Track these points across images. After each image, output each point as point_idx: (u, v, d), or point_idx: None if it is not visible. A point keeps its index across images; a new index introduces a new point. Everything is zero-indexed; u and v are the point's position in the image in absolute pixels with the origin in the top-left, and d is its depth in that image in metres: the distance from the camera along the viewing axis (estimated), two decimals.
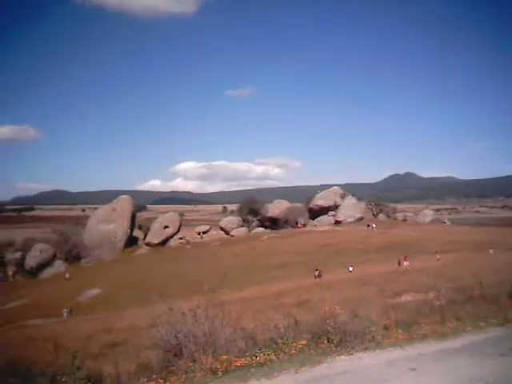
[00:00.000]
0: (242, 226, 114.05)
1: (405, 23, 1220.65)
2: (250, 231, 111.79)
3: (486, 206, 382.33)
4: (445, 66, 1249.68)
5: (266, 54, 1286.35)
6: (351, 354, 10.64)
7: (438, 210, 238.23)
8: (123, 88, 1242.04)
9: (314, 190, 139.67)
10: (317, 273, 50.72)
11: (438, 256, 53.39)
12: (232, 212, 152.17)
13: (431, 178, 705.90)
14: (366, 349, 11.02)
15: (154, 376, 9.83)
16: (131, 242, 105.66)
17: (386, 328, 13.01)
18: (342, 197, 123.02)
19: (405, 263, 51.19)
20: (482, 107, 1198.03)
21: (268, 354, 10.46)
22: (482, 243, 67.76)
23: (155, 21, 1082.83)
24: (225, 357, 10.25)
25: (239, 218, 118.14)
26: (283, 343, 10.90)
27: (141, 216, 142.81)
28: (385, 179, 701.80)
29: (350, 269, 51.96)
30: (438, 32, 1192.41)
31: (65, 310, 52.03)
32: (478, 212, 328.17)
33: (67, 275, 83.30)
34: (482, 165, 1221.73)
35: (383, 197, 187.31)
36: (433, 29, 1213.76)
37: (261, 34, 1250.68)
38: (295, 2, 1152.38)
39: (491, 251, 55.11)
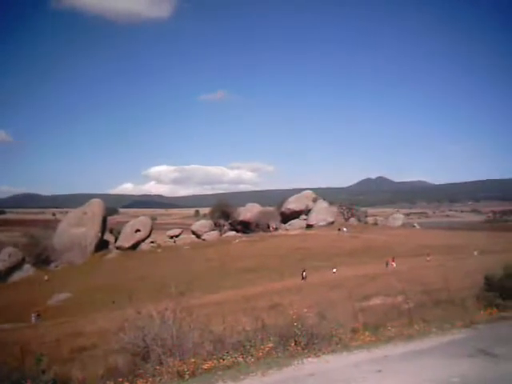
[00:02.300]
0: (214, 230, 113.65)
1: (370, 24, 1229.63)
2: (221, 235, 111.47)
3: (456, 210, 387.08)
4: (417, 70, 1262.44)
5: (240, 58, 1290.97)
6: (318, 357, 10.68)
7: (408, 214, 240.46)
8: (96, 92, 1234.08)
9: (286, 194, 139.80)
10: (304, 274, 50.97)
11: (428, 258, 54.29)
12: (204, 216, 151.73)
13: (402, 183, 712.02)
14: (332, 351, 11.08)
15: (121, 379, 9.76)
16: (102, 245, 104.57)
17: (354, 331, 13.11)
18: (314, 201, 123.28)
19: (393, 264, 51.79)
20: (453, 113, 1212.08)
21: (236, 357, 10.46)
22: (452, 247, 68.59)
23: (130, 25, 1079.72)
24: (192, 360, 10.23)
25: (211, 222, 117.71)
26: (251, 346, 10.91)
27: (112, 220, 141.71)
28: (357, 183, 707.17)
29: (334, 270, 52.32)
30: (413, 35, 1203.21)
31: (33, 314, 51.14)
32: (447, 216, 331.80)
33: (46, 277, 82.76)
34: (453, 170, 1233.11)
35: (355, 201, 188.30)
36: (408, 31, 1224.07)
37: (234, 38, 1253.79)
38: (267, 7, 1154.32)
39: (476, 253, 55.77)
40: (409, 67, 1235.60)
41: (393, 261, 52.84)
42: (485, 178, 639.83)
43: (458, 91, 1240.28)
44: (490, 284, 17.74)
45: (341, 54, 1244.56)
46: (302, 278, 50.01)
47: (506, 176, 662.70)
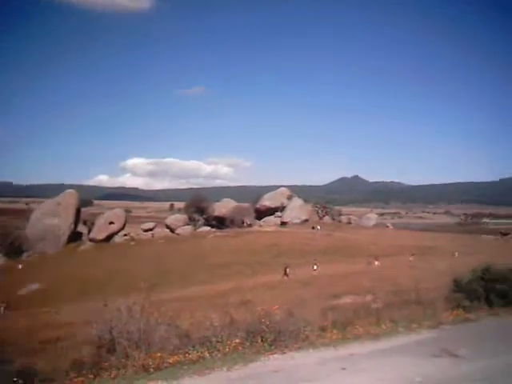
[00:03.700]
0: (188, 225, 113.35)
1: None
2: (195, 230, 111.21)
3: (429, 212, 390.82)
4: (390, 69, 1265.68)
5: (219, 54, 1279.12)
6: (284, 353, 10.73)
7: (382, 214, 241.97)
8: (73, 82, 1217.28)
9: (262, 191, 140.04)
10: (288, 270, 51.07)
11: (411, 258, 54.77)
12: (179, 210, 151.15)
13: (377, 183, 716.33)
14: (299, 348, 11.14)
15: (85, 372, 9.70)
16: (75, 237, 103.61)
17: (322, 329, 13.16)
18: (289, 198, 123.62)
19: (376, 263, 52.29)
20: (429, 116, 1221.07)
21: (202, 352, 10.46)
22: (424, 248, 69.30)
23: (108, 16, 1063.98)
24: (158, 354, 10.21)
25: (185, 216, 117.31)
26: (217, 341, 10.91)
27: (86, 211, 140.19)
28: (333, 182, 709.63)
29: (315, 267, 52.57)
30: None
31: (1, 304, 50.53)
32: (420, 217, 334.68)
33: (20, 266, 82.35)
34: (427, 172, 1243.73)
35: (330, 199, 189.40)
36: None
37: (214, 34, 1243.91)
38: (247, 4, 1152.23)
39: (456, 254, 56.30)
40: (382, 65, 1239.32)
41: (377, 259, 53.38)
42: (458, 181, 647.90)
43: (435, 93, 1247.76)
44: (458, 286, 17.97)
45: (317, 51, 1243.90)
46: (285, 274, 50.13)
47: (480, 179, 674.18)
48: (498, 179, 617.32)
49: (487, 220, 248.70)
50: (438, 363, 9.69)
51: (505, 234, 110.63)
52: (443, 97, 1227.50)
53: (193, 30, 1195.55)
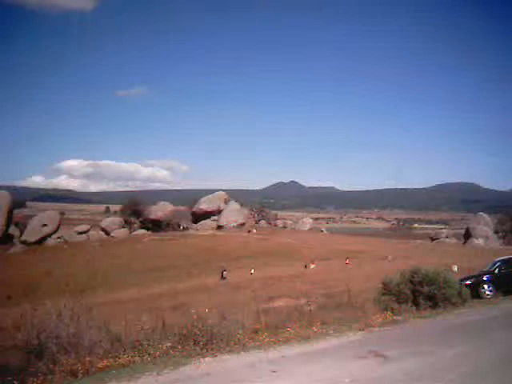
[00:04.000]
0: (124, 228, 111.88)
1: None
2: (131, 233, 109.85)
3: (362, 217, 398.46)
4: (318, 78, 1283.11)
5: (160, 55, 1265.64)
6: (215, 356, 10.75)
7: (316, 219, 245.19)
8: (11, 80, 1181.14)
9: (200, 194, 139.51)
10: (225, 273, 50.97)
11: (346, 261, 55.49)
12: (115, 212, 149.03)
13: (313, 188, 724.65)
14: (230, 351, 11.18)
15: (10, 378, 9.45)
16: (6, 239, 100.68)
17: (255, 331, 13.25)
18: (226, 202, 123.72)
19: (312, 266, 52.96)
20: (362, 123, 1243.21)
21: (132, 356, 10.36)
22: (357, 252, 70.45)
23: (51, 16, 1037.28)
24: (88, 358, 10.05)
25: (121, 219, 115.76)
26: (149, 345, 10.85)
27: (19, 213, 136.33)
28: (270, 186, 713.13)
29: (252, 271, 52.72)
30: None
31: None
32: (354, 222, 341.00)
33: None
34: (361, 178, 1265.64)
35: (267, 203, 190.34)
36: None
37: (155, 36, 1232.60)
38: (192, 5, 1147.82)
39: (390, 258, 57.27)
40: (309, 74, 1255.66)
41: (313, 263, 54.15)
42: (390, 187, 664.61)
43: (368, 100, 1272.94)
44: (388, 288, 18.42)
45: (253, 53, 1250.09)
46: (222, 278, 50.14)
47: (410, 186, 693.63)
48: (428, 186, 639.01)
49: (417, 225, 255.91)
50: (366, 364, 9.89)
51: (433, 239, 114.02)
52: (377, 104, 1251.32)
53: (133, 33, 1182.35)
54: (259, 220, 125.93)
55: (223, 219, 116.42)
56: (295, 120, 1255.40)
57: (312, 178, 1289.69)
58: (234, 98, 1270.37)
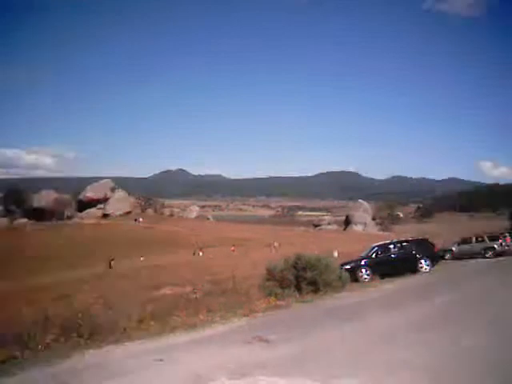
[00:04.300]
0: (4, 217, 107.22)
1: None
2: (12, 222, 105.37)
3: (249, 205, 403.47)
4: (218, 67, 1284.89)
5: (41, 33, 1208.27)
6: (101, 348, 10.61)
7: (203, 207, 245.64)
8: None
9: (87, 182, 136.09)
10: (112, 262, 50.21)
11: (232, 248, 55.93)
12: None
13: (201, 176, 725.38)
14: (116, 341, 11.06)
15: None
16: None
17: (140, 321, 13.19)
18: (113, 190, 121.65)
19: (200, 254, 53.28)
20: (243, 109, 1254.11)
21: (12, 351, 10.01)
22: (244, 239, 71.55)
23: None
24: None
25: (1, 208, 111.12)
26: (30, 339, 10.53)
27: None
28: (157, 174, 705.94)
29: (142, 259, 52.33)
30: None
31: None
32: (240, 210, 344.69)
33: None
34: (247, 166, 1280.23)
35: (154, 192, 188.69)
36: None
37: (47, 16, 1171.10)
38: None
39: (276, 244, 58.16)
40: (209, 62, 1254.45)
41: (200, 250, 54.61)
42: (275, 175, 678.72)
43: (243, 85, 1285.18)
44: (272, 274, 18.89)
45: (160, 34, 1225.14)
46: (110, 267, 49.54)
47: (294, 174, 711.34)
48: (311, 174, 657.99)
49: (301, 212, 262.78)
50: (250, 349, 10.09)
51: (316, 226, 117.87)
52: (260, 92, 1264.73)
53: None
54: (146, 208, 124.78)
55: (109, 207, 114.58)
56: (182, 107, 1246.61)
57: (200, 166, 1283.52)
58: (122, 84, 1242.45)
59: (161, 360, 9.39)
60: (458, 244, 40.22)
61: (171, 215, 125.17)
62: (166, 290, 26.48)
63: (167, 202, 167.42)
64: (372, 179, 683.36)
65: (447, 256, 38.07)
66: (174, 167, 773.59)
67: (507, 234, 41.23)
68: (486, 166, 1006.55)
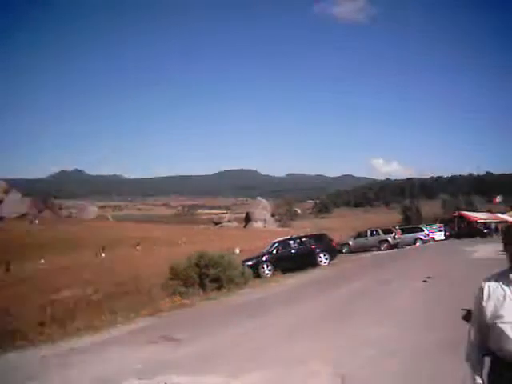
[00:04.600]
0: None
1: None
2: None
3: (148, 204, 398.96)
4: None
5: None
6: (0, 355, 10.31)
7: (103, 207, 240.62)
8: None
9: None
10: (11, 266, 48.55)
11: (137, 247, 55.37)
12: None
13: (99, 176, 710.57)
14: (17, 348, 10.76)
15: None
16: None
17: (41, 324, 12.89)
18: (7, 192, 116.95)
19: (102, 255, 52.33)
20: (142, 110, 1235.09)
21: None
22: (145, 238, 70.82)
23: None
24: None
25: None
26: None
27: None
28: (54, 175, 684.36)
29: (42, 261, 50.82)
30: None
31: None
32: (140, 209, 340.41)
33: None
34: (146, 165, 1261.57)
35: (51, 193, 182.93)
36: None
37: None
38: None
39: (181, 242, 58.13)
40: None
41: (103, 251, 53.77)
42: (175, 174, 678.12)
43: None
44: (175, 273, 18.93)
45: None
46: (7, 270, 47.82)
47: (193, 173, 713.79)
48: (210, 173, 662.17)
49: (201, 211, 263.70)
50: (156, 349, 10.11)
51: (217, 223, 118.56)
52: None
53: None
54: (43, 210, 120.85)
55: (3, 210, 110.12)
56: (75, 107, 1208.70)
57: (97, 166, 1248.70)
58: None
59: (64, 365, 9.21)
60: (355, 238, 42.08)
61: (69, 216, 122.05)
62: (67, 293, 25.88)
63: (65, 203, 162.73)
64: (271, 177, 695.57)
65: (345, 250, 39.66)
66: (70, 167, 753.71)
67: (398, 228, 43.85)
68: (379, 163, 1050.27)
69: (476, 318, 3.32)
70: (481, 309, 3.23)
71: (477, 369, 3.30)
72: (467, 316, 8.58)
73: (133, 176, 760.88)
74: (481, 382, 3.25)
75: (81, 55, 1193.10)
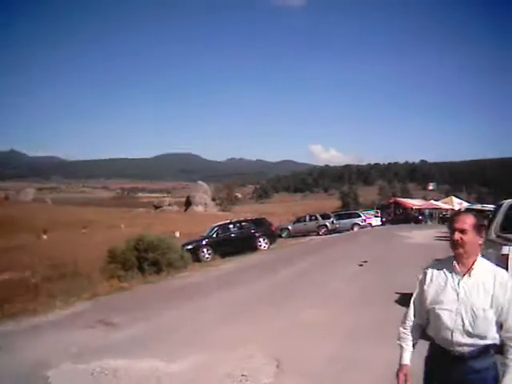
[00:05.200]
0: None
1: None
2: None
3: (88, 187, 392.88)
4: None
5: None
6: None
7: (41, 189, 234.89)
8: None
9: None
10: None
11: (84, 230, 54.54)
12: None
13: (37, 157, 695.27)
14: None
15: None
16: None
17: None
18: None
19: (44, 237, 51.17)
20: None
21: None
22: (85, 221, 69.65)
23: None
24: None
25: None
26: None
27: None
28: None
29: None
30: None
31: None
32: (81, 192, 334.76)
33: None
34: (83, 147, 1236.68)
35: None
36: None
37: None
38: None
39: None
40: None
41: (44, 233, 52.64)
42: (116, 157, 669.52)
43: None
44: (114, 257, 18.83)
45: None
46: None
47: (134, 156, 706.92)
48: (150, 156, 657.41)
49: (141, 194, 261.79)
50: (93, 333, 10.09)
51: (157, 207, 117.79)
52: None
53: None
54: None
55: None
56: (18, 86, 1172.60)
57: (34, 147, 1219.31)
58: None
59: None
60: (294, 223, 42.70)
61: (6, 198, 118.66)
62: (4, 275, 25.32)
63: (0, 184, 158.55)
64: (211, 161, 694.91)
65: (284, 234, 40.16)
66: (5, 148, 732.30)
67: (334, 214, 44.93)
68: (317, 148, 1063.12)
69: (416, 301, 3.47)
70: (422, 293, 3.37)
71: (406, 350, 3.45)
72: None
73: (72, 158, 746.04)
74: (407, 362, 3.40)
75: None
